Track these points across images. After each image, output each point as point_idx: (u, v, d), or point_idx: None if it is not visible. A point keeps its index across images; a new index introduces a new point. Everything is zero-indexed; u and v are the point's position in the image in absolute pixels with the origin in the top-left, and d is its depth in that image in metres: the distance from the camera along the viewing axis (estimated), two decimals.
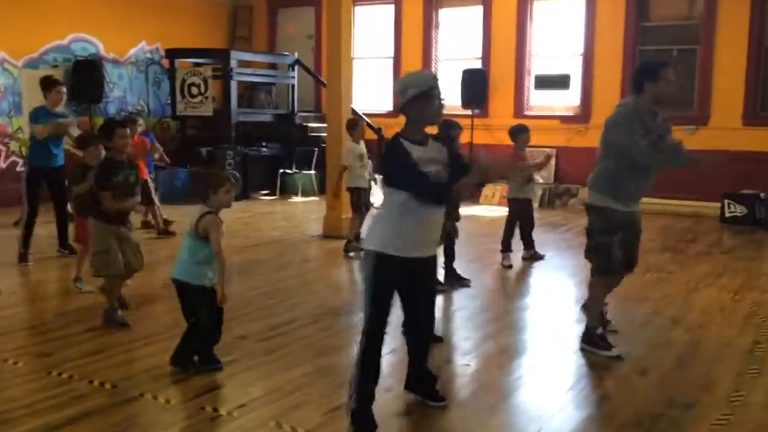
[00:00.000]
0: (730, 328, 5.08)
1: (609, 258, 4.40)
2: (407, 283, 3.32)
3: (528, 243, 7.33)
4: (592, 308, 4.59)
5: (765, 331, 5.00)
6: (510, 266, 6.96)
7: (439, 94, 3.20)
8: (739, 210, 9.80)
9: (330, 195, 8.50)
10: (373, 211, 10.64)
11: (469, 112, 11.78)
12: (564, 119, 11.79)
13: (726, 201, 9.90)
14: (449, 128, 5.45)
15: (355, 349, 3.64)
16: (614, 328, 4.85)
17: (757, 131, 10.29)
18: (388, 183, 3.23)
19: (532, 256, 7.29)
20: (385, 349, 4.45)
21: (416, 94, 3.13)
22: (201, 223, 3.90)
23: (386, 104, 13.60)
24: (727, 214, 9.88)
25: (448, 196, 3.25)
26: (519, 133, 7.11)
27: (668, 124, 4.44)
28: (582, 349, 4.53)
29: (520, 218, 7.17)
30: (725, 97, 10.54)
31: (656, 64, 4.36)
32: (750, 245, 8.47)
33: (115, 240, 4.81)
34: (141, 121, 8.55)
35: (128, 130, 5.06)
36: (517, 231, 7.23)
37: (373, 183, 7.81)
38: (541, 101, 12.18)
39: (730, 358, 4.43)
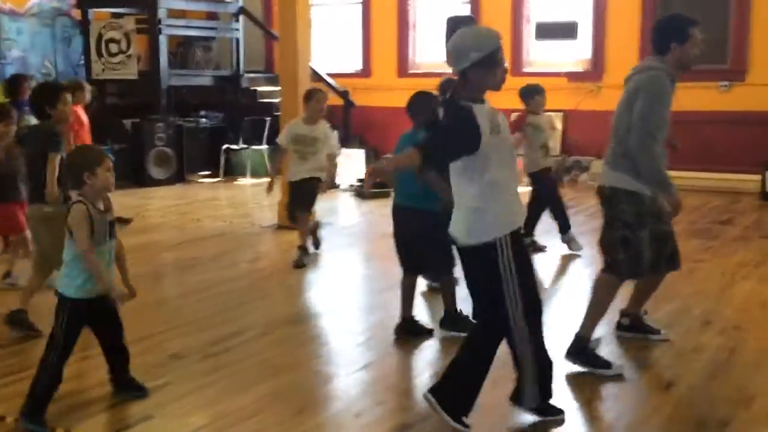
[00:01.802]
0: None
1: (640, 257, 4.41)
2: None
3: (527, 228, 7.33)
4: (589, 314, 4.52)
5: None
6: (542, 249, 7.33)
7: (503, 55, 3.31)
8: None
9: (284, 174, 8.46)
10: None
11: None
12: (572, 77, 11.86)
13: (767, 173, 10.04)
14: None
15: (389, 362, 3.61)
16: (665, 337, 4.87)
17: None
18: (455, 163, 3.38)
19: (530, 245, 7.30)
20: (356, 365, 4.48)
21: (479, 59, 3.20)
22: (69, 217, 3.79)
23: (354, 62, 13.58)
24: None
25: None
26: (534, 94, 7.22)
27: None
28: (570, 360, 4.45)
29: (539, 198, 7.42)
30: (764, 47, 10.65)
31: (684, 21, 4.39)
32: None
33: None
34: (89, 87, 8.49)
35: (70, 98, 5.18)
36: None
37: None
38: (543, 55, 12.23)
39: None
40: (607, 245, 4.53)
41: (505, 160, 3.40)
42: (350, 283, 6.55)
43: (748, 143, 10.52)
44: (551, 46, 12.08)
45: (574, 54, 11.97)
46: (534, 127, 7.27)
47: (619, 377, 4.32)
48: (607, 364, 4.39)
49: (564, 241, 7.39)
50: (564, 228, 7.37)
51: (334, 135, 7.13)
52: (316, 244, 7.39)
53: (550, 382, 3.72)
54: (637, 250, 4.42)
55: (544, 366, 3.65)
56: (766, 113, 10.52)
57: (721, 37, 10.80)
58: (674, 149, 4.68)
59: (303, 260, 6.88)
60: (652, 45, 4.47)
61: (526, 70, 12.12)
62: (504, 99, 7.02)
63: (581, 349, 4.45)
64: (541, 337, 3.61)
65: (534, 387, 3.64)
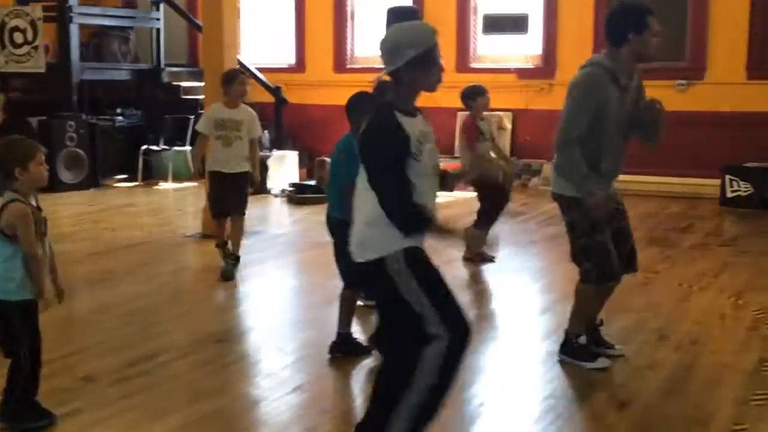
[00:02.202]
0: (731, 343, 5.28)
1: (605, 262, 4.58)
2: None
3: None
4: (575, 315, 4.82)
5: None
6: (491, 259, 7.26)
7: (439, 53, 3.29)
8: (744, 188, 10.22)
9: (196, 177, 8.41)
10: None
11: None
12: (522, 73, 12.03)
13: (728, 177, 10.30)
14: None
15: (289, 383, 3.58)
16: (620, 352, 4.99)
17: (765, 86, 10.72)
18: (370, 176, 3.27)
19: (477, 256, 7.35)
20: (287, 387, 4.47)
21: (415, 57, 3.19)
22: (4, 216, 3.75)
23: (287, 55, 13.57)
24: (729, 194, 10.30)
25: (425, 228, 3.28)
26: (476, 96, 7.19)
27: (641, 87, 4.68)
28: (561, 361, 4.81)
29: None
30: (725, 43, 10.94)
31: (640, 9, 4.50)
32: (756, 233, 8.85)
33: None
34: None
35: None
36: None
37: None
38: (491, 50, 12.38)
39: (731, 382, 4.59)
40: (572, 255, 4.74)
41: (427, 183, 3.30)
42: (281, 298, 6.53)
43: (706, 146, 10.78)
44: (500, 41, 12.24)
45: (525, 49, 12.14)
46: (484, 129, 7.33)
47: (603, 370, 4.62)
48: (592, 357, 4.74)
49: (465, 257, 7.33)
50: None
51: (257, 117, 7.12)
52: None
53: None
54: (600, 255, 4.57)
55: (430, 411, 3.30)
56: (725, 114, 10.80)
57: (678, 33, 11.06)
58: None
59: (233, 271, 6.84)
60: (607, 36, 4.57)
61: (473, 65, 12.26)
62: (449, 98, 7.20)
63: (567, 343, 4.82)
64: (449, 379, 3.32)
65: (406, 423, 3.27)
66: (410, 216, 3.22)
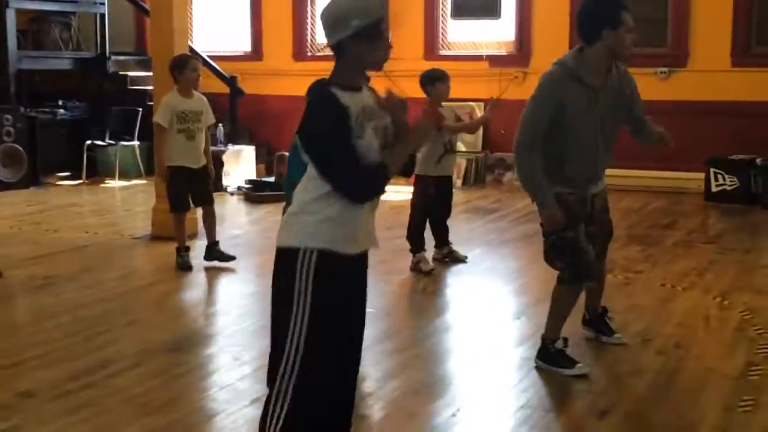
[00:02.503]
0: (717, 346, 5.34)
1: (578, 259, 4.69)
2: (351, 297, 3.26)
3: (442, 237, 7.45)
4: (552, 318, 4.89)
5: (762, 346, 5.27)
6: (430, 271, 7.07)
7: (387, 28, 3.23)
8: (729, 182, 10.34)
9: (160, 175, 8.36)
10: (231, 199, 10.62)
11: None
12: (494, 61, 12.08)
13: (712, 170, 10.41)
14: None
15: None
16: (619, 341, 5.23)
17: (751, 74, 10.86)
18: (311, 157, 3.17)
19: (449, 255, 7.40)
20: (245, 399, 4.44)
21: (360, 28, 3.12)
22: None
23: (243, 42, 13.52)
24: (714, 188, 10.41)
25: (384, 183, 3.18)
26: (434, 81, 7.11)
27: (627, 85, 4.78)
28: (537, 368, 4.85)
29: (436, 203, 7.25)
30: (708, 28, 11.05)
31: (614, 4, 4.57)
32: (743, 230, 8.95)
33: None
34: None
35: None
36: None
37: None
38: (461, 36, 12.41)
39: (717, 388, 4.64)
40: (544, 253, 4.85)
41: (368, 153, 3.15)
42: (238, 303, 6.49)
43: (690, 137, 10.82)
44: (470, 26, 12.28)
45: (497, 35, 12.19)
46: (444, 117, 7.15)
47: (583, 377, 4.67)
48: (570, 363, 4.76)
49: (435, 257, 7.35)
50: (417, 247, 7.20)
51: (208, 105, 7.32)
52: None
53: None
54: (572, 254, 4.68)
55: None
56: (709, 103, 10.91)
57: (659, 17, 11.16)
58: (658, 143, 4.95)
59: (189, 261, 7.05)
60: (579, 33, 4.64)
61: (441, 52, 12.30)
62: (416, 87, 7.19)
63: (544, 349, 4.86)
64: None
65: None
66: (362, 176, 3.10)
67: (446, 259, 7.37)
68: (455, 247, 7.50)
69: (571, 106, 4.53)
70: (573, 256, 4.69)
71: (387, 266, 7.28)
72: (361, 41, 3.12)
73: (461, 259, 7.38)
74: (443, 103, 7.22)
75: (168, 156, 7.07)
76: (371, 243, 3.30)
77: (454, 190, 7.55)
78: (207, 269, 7.25)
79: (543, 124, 4.54)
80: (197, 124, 7.08)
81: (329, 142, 3.09)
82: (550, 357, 4.83)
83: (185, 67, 7.00)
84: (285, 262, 3.17)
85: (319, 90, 3.21)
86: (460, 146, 11.77)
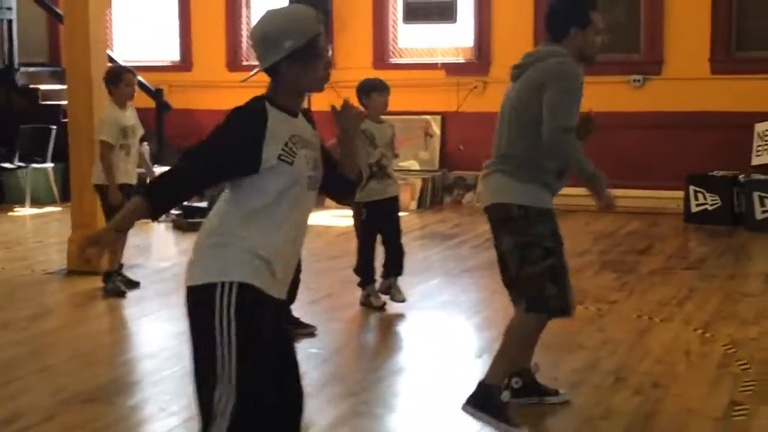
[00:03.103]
0: (698, 384, 5.38)
1: (567, 287, 4.64)
2: (275, 340, 3.27)
3: (395, 266, 7.30)
4: (504, 358, 4.73)
5: (747, 383, 5.34)
6: (382, 306, 7.06)
7: (326, 44, 3.26)
8: (711, 201, 10.49)
9: (77, 201, 8.28)
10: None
11: None
12: (451, 69, 12.17)
13: (692, 189, 10.56)
14: None
15: None
16: (565, 398, 5.04)
17: (732, 82, 11.06)
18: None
19: (386, 291, 7.20)
20: None
21: (296, 48, 3.15)
22: None
23: (170, 51, 13.47)
24: (694, 208, 10.56)
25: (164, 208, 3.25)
26: (370, 91, 7.08)
27: None
28: (470, 413, 4.66)
29: (381, 230, 7.18)
30: (684, 31, 11.24)
31: (584, 3, 4.67)
32: (726, 253, 9.09)
33: None
34: None
35: None
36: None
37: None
38: (414, 42, 12.49)
39: (698, 431, 4.67)
40: (527, 279, 4.62)
41: (297, 195, 3.21)
42: (165, 344, 6.42)
43: (667, 152, 11.03)
44: (424, 31, 12.37)
45: (454, 41, 12.28)
46: (366, 136, 6.96)
47: None
48: (511, 420, 4.55)
49: (363, 294, 7.18)
50: (367, 280, 7.17)
51: None
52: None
53: None
54: (564, 278, 4.62)
55: None
56: (688, 114, 11.08)
57: (631, 20, 11.32)
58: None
59: (122, 286, 7.22)
60: (548, 31, 4.73)
61: (392, 60, 12.38)
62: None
63: (488, 397, 4.60)
64: None
65: None
66: (164, 194, 3.20)
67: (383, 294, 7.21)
68: (406, 279, 7.42)
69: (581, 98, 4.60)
70: (566, 283, 4.64)
71: (333, 300, 7.29)
72: (296, 63, 3.16)
73: (399, 300, 7.16)
74: (382, 117, 7.20)
75: (102, 174, 7.36)
76: (284, 289, 3.30)
77: (406, 214, 7.54)
78: (130, 307, 7.19)
79: (574, 114, 4.53)
80: (133, 139, 7.47)
81: (204, 147, 3.18)
82: (493, 407, 4.60)
83: (119, 81, 7.37)
84: (200, 301, 3.18)
85: (252, 101, 3.23)
86: (413, 164, 11.90)
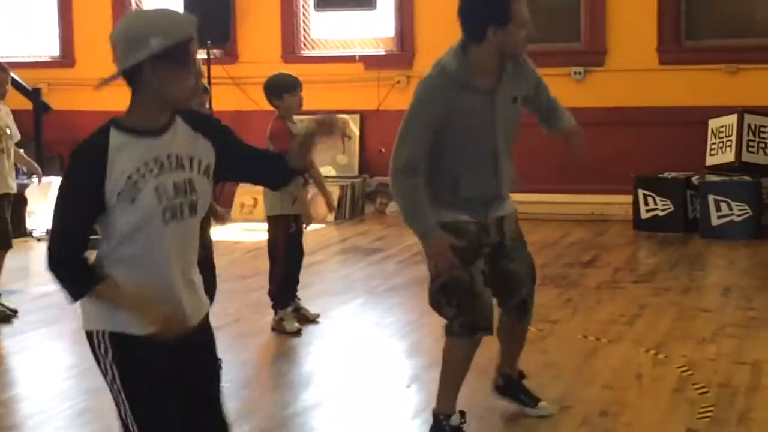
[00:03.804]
0: (651, 412, 5.44)
1: (474, 304, 4.73)
2: (176, 380, 3.31)
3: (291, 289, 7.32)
4: (443, 384, 4.90)
5: (705, 409, 5.41)
6: (297, 332, 7.08)
7: (196, 49, 3.23)
8: (662, 206, 10.62)
9: None
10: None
11: (201, 55, 11.77)
12: (370, 62, 12.19)
13: (641, 192, 10.69)
14: None
15: None
16: (544, 411, 5.22)
17: (683, 73, 11.24)
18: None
19: (295, 313, 7.22)
20: None
21: (164, 48, 3.08)
22: None
23: (50, 44, 13.31)
24: (644, 214, 10.70)
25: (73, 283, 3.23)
26: (281, 92, 7.11)
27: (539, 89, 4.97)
28: None
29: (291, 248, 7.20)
30: (629, 16, 11.39)
31: None
32: (680, 264, 9.21)
33: None
34: None
35: None
36: None
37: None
38: (329, 32, 12.48)
39: None
40: (430, 299, 4.89)
41: (154, 233, 3.18)
42: (52, 381, 6.35)
43: (612, 152, 11.12)
44: (340, 20, 12.37)
45: (373, 31, 12.31)
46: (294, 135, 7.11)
47: None
48: None
49: (275, 318, 7.20)
50: (283, 303, 7.19)
51: None
52: None
53: None
54: (465, 297, 4.71)
55: None
56: (634, 110, 11.24)
57: (569, 6, 11.45)
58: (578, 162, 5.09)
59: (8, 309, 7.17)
60: (463, 30, 4.73)
61: (304, 53, 12.35)
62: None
63: (436, 426, 4.85)
64: None
65: None
66: (62, 267, 3.18)
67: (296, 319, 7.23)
68: (307, 302, 7.48)
69: (458, 118, 4.61)
70: (467, 301, 4.72)
71: (243, 326, 7.25)
72: (162, 67, 3.10)
73: (313, 319, 7.28)
74: (295, 118, 7.22)
75: None
76: (184, 319, 3.29)
77: (323, 227, 7.57)
78: (7, 338, 7.09)
79: (424, 143, 4.61)
80: (9, 141, 7.49)
81: (60, 204, 3.16)
82: None
83: None
84: (91, 349, 3.28)
85: (95, 133, 3.19)
86: (330, 170, 11.88)
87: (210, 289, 6.36)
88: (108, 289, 3.16)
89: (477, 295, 4.75)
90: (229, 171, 3.42)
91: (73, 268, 3.16)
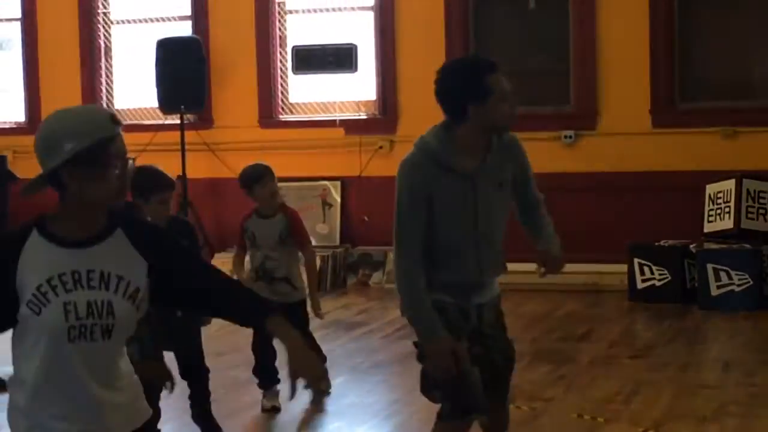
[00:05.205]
0: None
1: (461, 386, 4.65)
2: None
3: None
4: None
5: None
6: (270, 409, 7.02)
7: (121, 150, 3.13)
8: (659, 275, 10.60)
9: None
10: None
11: (174, 120, 11.80)
12: (351, 127, 12.21)
13: (636, 261, 10.68)
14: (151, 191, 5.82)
15: None
16: None
17: (677, 137, 11.27)
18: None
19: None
20: None
21: (78, 151, 3.04)
22: None
23: (14, 110, 13.37)
24: (640, 284, 10.67)
25: None
26: (251, 184, 7.11)
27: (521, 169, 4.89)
28: None
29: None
30: (620, 79, 11.46)
31: (475, 70, 4.64)
32: (678, 338, 9.18)
33: None
34: None
35: None
36: None
37: None
38: (308, 95, 12.52)
39: None
40: (421, 384, 4.82)
41: (56, 352, 3.10)
42: None
43: (606, 219, 11.14)
44: (319, 83, 12.40)
45: (354, 93, 12.36)
46: (252, 233, 7.18)
47: None
48: None
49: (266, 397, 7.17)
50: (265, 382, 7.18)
51: None
52: None
53: None
54: (452, 381, 4.62)
55: None
56: (628, 175, 11.26)
57: (558, 68, 11.52)
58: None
59: None
60: (443, 110, 4.71)
61: (282, 118, 12.38)
62: (246, 162, 7.19)
63: None
64: None
65: None
66: None
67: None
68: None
69: (439, 200, 4.57)
70: (454, 384, 4.65)
71: (219, 407, 7.15)
72: (78, 171, 3.06)
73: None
74: (279, 205, 7.26)
75: None
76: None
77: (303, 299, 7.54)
78: None
79: (421, 232, 4.58)
80: None
81: None
82: None
83: None
84: None
85: (22, 223, 3.16)
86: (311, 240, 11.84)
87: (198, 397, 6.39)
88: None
89: (466, 375, 4.66)
90: (174, 299, 3.37)
91: None
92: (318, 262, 11.38)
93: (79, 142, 3.03)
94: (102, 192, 3.10)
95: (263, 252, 7.12)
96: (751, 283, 10.09)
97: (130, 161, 3.22)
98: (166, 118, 12.08)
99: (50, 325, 3.03)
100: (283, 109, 12.47)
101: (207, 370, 6.44)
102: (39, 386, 3.09)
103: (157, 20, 12.71)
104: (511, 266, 5.00)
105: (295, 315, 6.99)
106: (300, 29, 12.49)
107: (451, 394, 4.67)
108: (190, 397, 6.41)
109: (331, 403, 7.29)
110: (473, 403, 4.72)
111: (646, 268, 10.64)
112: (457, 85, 4.63)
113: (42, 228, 3.11)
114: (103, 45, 13.02)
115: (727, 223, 10.51)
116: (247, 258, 7.32)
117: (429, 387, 4.77)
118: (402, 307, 4.72)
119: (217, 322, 9.79)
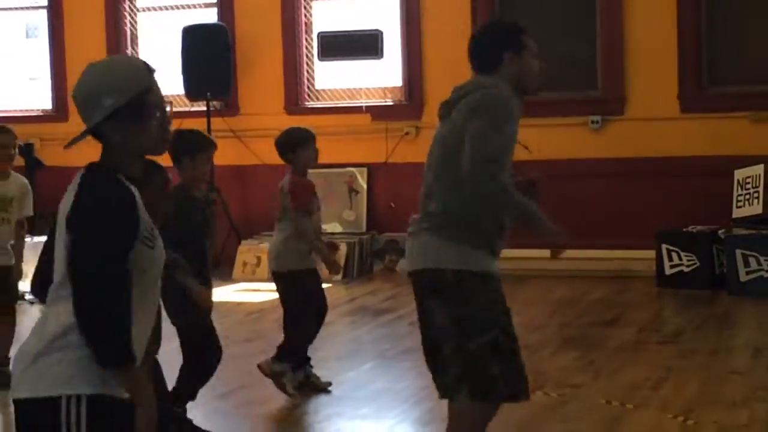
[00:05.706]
0: None
1: (517, 363, 4.59)
2: None
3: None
4: None
5: None
6: (291, 396, 7.01)
7: (159, 99, 3.27)
8: (687, 261, 10.58)
9: None
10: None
11: (200, 107, 11.84)
12: (378, 113, 12.25)
13: (665, 247, 10.67)
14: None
15: None
16: None
17: (705, 122, 11.23)
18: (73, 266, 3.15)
19: (306, 381, 7.19)
20: None
21: (117, 107, 3.15)
22: None
23: (41, 98, 13.42)
24: (668, 270, 10.66)
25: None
26: (294, 147, 7.13)
27: None
28: None
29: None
30: (648, 64, 11.43)
31: (513, 28, 4.81)
32: (707, 323, 9.16)
33: None
34: None
35: None
36: None
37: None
38: (334, 82, 12.55)
39: None
40: (467, 360, 4.54)
41: (156, 266, 3.27)
42: None
43: (634, 205, 11.13)
44: (345, 69, 12.43)
45: (380, 80, 12.38)
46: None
47: None
48: None
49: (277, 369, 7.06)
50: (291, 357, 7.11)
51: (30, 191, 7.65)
52: None
53: None
54: (513, 357, 4.57)
55: None
56: (655, 160, 11.23)
57: (586, 55, 11.50)
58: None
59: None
60: (477, 62, 4.78)
61: (308, 104, 12.40)
62: (273, 150, 7.23)
63: None
64: None
65: None
66: (115, 340, 3.08)
67: (300, 393, 7.14)
68: (334, 365, 7.44)
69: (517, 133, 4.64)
70: (515, 361, 4.57)
71: (246, 394, 7.19)
72: (121, 123, 3.18)
73: (323, 388, 7.20)
74: (310, 171, 7.26)
75: None
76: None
77: (330, 286, 7.58)
78: None
79: (504, 147, 4.51)
80: (4, 213, 7.46)
81: (107, 266, 3.08)
82: None
83: None
84: (40, 419, 3.13)
85: (110, 180, 3.19)
86: (336, 227, 11.89)
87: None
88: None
89: (518, 354, 4.62)
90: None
91: (120, 329, 3.08)
92: (344, 249, 11.46)
93: (118, 98, 3.16)
94: (144, 141, 3.24)
95: (319, 215, 7.32)
96: None
97: (167, 107, 3.34)
98: (192, 106, 12.12)
99: (158, 257, 3.25)
100: (309, 95, 12.51)
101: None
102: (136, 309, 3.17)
103: (183, 7, 12.76)
104: (540, 252, 4.95)
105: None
106: (325, 15, 12.51)
107: (512, 372, 4.55)
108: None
109: (359, 389, 7.31)
110: (525, 387, 4.68)
111: (674, 254, 10.62)
112: (497, 36, 4.83)
113: (120, 174, 3.19)
114: (129, 32, 13.09)
115: (756, 209, 10.45)
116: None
117: (486, 364, 4.49)
118: (506, 206, 4.53)
119: (244, 309, 9.93)
